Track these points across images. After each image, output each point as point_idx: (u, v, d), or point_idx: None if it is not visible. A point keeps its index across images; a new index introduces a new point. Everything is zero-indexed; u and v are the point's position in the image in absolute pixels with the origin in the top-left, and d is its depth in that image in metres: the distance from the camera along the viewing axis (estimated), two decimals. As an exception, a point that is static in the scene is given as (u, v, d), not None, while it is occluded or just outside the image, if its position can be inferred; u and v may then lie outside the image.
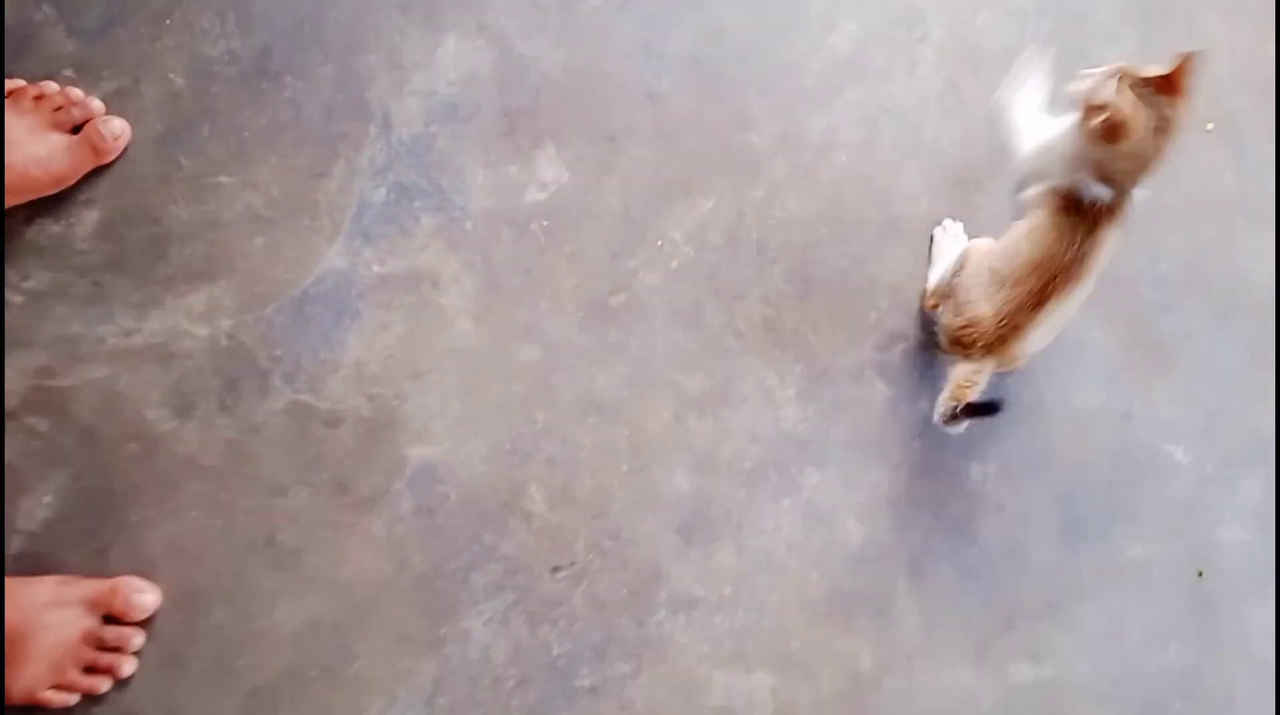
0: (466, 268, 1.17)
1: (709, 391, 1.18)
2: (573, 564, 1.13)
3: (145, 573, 1.05)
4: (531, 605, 1.12)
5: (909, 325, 1.20)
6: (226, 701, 1.06)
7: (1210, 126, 1.26)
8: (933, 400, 1.14)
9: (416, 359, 1.14)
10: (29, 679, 0.95)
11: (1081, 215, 0.91)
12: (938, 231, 1.18)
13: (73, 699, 0.99)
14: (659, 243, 1.20)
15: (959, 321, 1.01)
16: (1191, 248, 1.24)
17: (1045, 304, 0.94)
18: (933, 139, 1.25)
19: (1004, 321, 0.95)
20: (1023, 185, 1.01)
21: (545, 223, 1.19)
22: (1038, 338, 0.98)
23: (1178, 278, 1.23)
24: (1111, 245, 0.94)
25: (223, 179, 1.13)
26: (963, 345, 1.01)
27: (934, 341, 1.14)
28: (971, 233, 1.18)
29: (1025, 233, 0.97)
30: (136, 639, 1.02)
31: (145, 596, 1.01)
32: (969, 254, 1.06)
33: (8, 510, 1.03)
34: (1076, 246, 0.91)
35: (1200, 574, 1.17)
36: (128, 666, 1.01)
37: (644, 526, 1.15)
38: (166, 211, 1.12)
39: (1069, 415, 1.19)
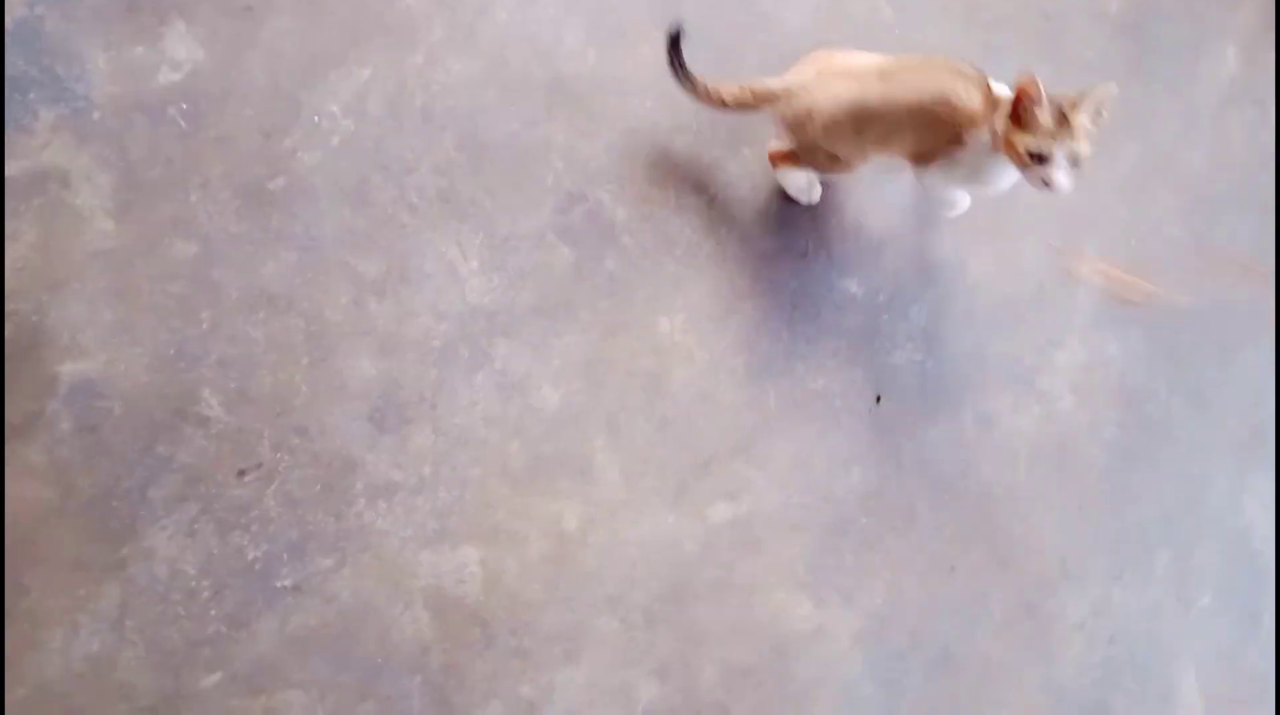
0: (99, 162, 1.58)
1: (387, 271, 1.68)
2: (259, 465, 1.61)
3: None
4: (219, 513, 1.59)
5: (586, 185, 1.75)
6: (-117, 655, 1.46)
7: None
8: (619, 260, 1.71)
9: (54, 268, 1.55)
10: None
11: None
12: None
13: None
14: (316, 118, 1.67)
15: None
16: (854, 86, 1.87)
17: None
18: (596, -10, 1.79)
19: None
20: None
21: (184, 106, 1.62)
22: None
23: (843, 116, 1.86)
24: None
25: None
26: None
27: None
28: (624, 87, 1.74)
29: None
30: None
31: None
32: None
33: None
34: None
35: (879, 398, 1.83)
36: None
37: (332, 418, 1.64)
38: None
39: (750, 260, 1.80)
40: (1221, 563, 1.89)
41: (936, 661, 1.76)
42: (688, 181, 1.65)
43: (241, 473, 1.56)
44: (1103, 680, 1.85)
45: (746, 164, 1.68)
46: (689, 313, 1.73)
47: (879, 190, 1.79)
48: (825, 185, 1.78)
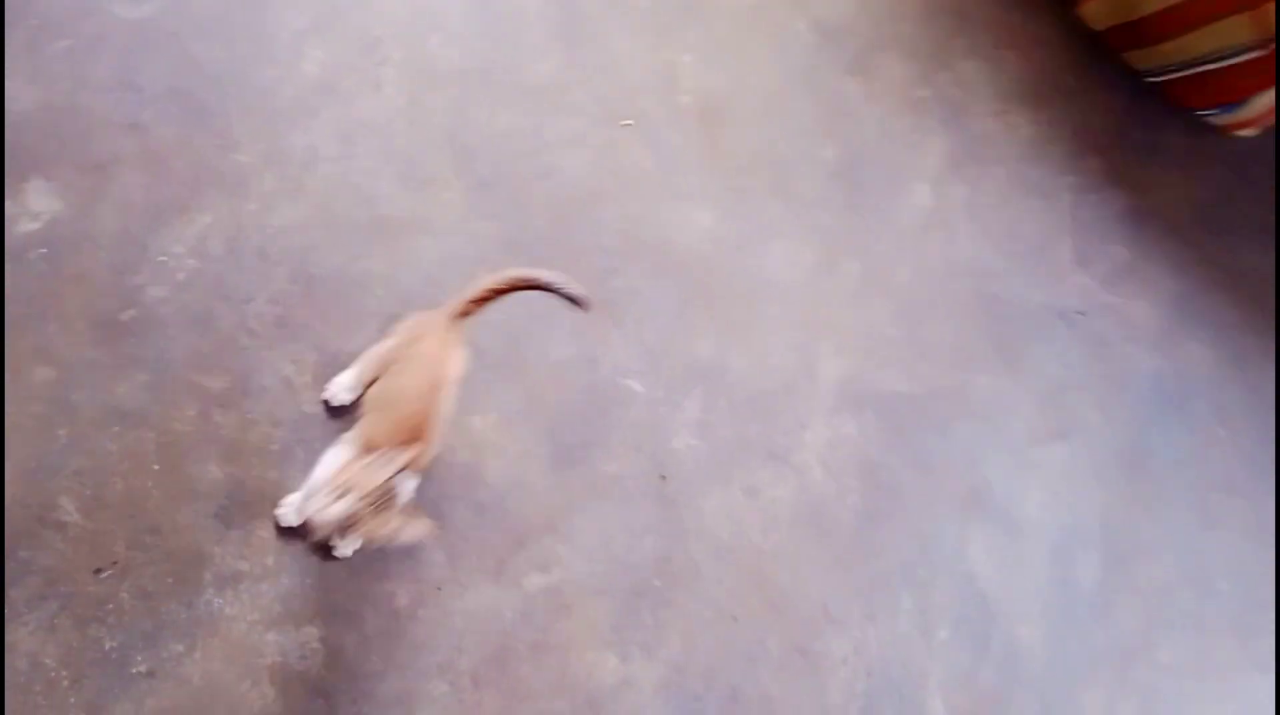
0: (-37, 301, 1.96)
1: (230, 387, 2.08)
2: (115, 563, 1.93)
3: None
4: (77, 608, 1.89)
5: (404, 307, 2.23)
6: None
7: (628, 122, 2.53)
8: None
9: (-80, 393, 1.90)
10: None
11: None
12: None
13: None
14: (162, 258, 2.10)
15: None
16: (625, 220, 2.45)
17: None
18: (405, 147, 2.32)
19: None
20: None
21: (43, 251, 2.00)
22: None
23: (618, 246, 2.42)
24: None
25: None
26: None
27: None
28: (433, 225, 2.26)
29: None
30: None
31: None
32: None
33: None
34: None
35: (663, 478, 2.37)
36: None
37: (182, 518, 2.00)
38: None
39: (547, 366, 2.30)
40: (954, 601, 2.47)
41: (727, 701, 2.23)
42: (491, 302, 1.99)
43: (98, 570, 1.81)
44: (867, 708, 2.36)
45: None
46: (498, 412, 2.19)
47: (651, 307, 2.37)
48: (609, 304, 2.35)
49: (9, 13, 1.90)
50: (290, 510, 1.87)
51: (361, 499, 1.52)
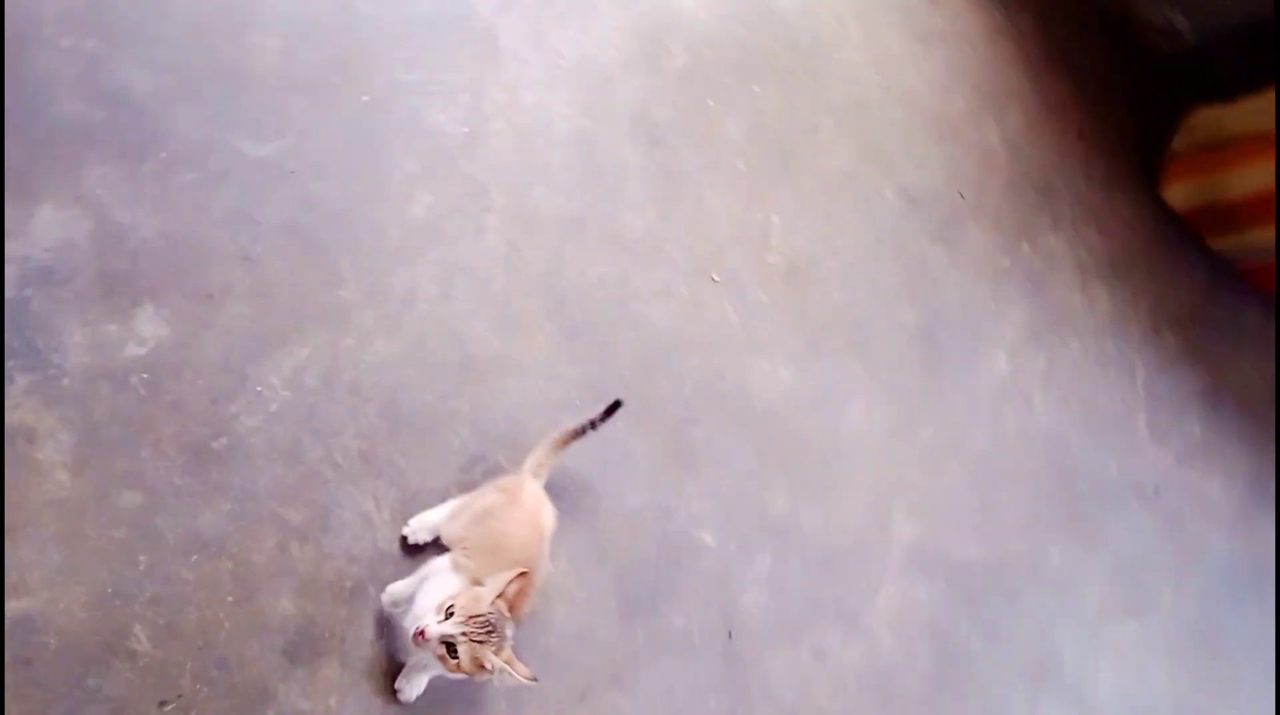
0: (63, 422, 1.73)
1: (310, 520, 1.82)
2: (180, 696, 1.67)
3: None
4: (139, 740, 1.65)
5: (487, 448, 1.98)
6: None
7: (716, 278, 2.26)
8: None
9: (11, 514, 1.64)
10: None
11: None
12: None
13: None
14: (258, 389, 1.87)
15: None
16: (707, 372, 2.17)
17: None
18: (501, 291, 2.08)
19: None
20: None
21: (145, 376, 1.79)
22: None
23: (698, 396, 2.15)
24: None
25: None
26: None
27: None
28: (521, 368, 2.01)
29: None
30: None
31: None
32: None
33: None
34: None
35: (730, 634, 2.03)
36: None
37: (250, 652, 1.73)
38: None
39: (620, 513, 2.02)
40: (1020, 779, 2.10)
41: None
42: (571, 447, 1.86)
43: (163, 704, 1.59)
44: None
45: (618, 432, 1.93)
46: (569, 557, 1.90)
47: (728, 459, 2.06)
48: (686, 454, 2.05)
49: (142, 146, 1.80)
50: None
51: (469, 621, 1.44)
